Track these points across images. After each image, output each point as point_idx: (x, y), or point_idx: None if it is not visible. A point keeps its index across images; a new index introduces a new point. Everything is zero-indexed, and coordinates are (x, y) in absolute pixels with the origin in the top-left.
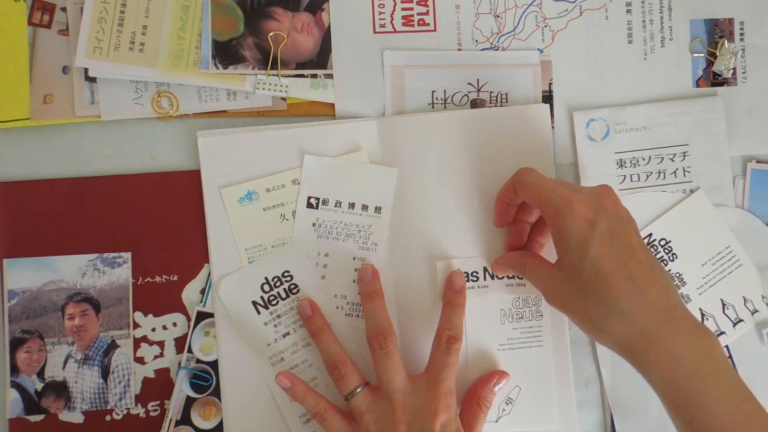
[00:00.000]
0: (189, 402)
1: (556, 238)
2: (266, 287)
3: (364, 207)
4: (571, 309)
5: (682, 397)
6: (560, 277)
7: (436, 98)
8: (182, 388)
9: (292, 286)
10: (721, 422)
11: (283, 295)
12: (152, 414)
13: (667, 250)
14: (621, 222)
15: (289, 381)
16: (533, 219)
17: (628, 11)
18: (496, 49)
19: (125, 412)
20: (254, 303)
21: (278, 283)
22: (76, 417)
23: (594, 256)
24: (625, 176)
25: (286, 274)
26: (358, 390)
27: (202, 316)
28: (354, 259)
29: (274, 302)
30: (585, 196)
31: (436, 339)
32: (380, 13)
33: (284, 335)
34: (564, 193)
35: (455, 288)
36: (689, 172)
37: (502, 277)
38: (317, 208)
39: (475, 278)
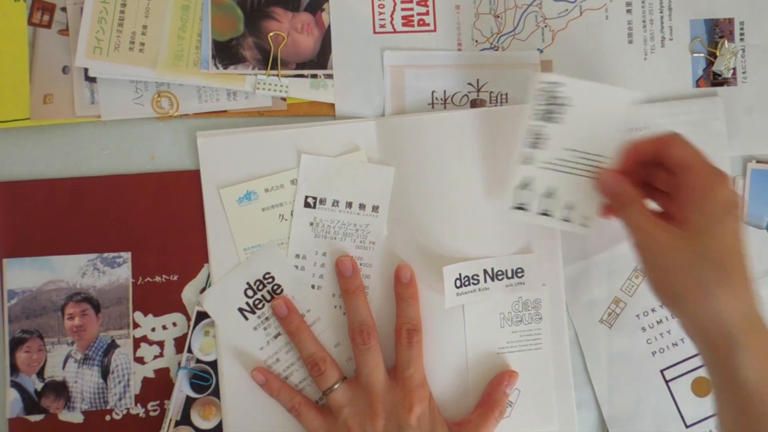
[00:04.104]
0: (189, 402)
1: (697, 198)
2: (249, 292)
3: (362, 206)
4: (674, 264)
5: None
6: (675, 232)
7: (436, 98)
8: (182, 388)
9: (275, 287)
10: None
11: (268, 297)
12: (152, 414)
13: (558, 111)
14: (743, 224)
15: (264, 376)
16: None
17: (628, 11)
18: (496, 49)
19: (125, 412)
20: (240, 310)
21: (260, 287)
22: (75, 417)
23: (729, 228)
24: None
25: (267, 276)
26: (337, 386)
27: (201, 316)
28: None
29: (260, 306)
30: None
31: (396, 335)
32: (380, 13)
33: (275, 336)
34: (717, 166)
35: (403, 281)
36: None
37: (502, 278)
38: (314, 207)
39: (475, 281)
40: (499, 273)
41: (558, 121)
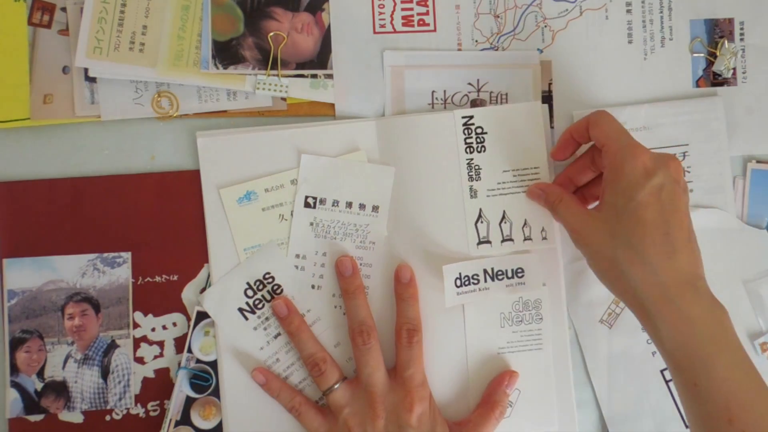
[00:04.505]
0: (189, 402)
1: (609, 177)
2: (249, 292)
3: (362, 206)
4: (596, 250)
5: (690, 358)
6: (596, 217)
7: (436, 98)
8: (182, 388)
9: (275, 287)
10: (727, 387)
11: (268, 297)
12: (152, 414)
13: (479, 140)
14: (676, 186)
15: (264, 377)
16: (585, 179)
17: (628, 11)
18: (496, 49)
19: (125, 412)
20: (240, 310)
21: (260, 287)
22: (75, 417)
23: (639, 202)
24: None
25: (267, 276)
26: (337, 386)
27: (201, 316)
28: None
29: (260, 306)
30: (652, 152)
31: (396, 335)
32: (380, 13)
33: (275, 336)
34: (633, 140)
35: (403, 281)
36: (689, 172)
37: (502, 278)
38: (314, 207)
39: (475, 281)
40: (500, 273)
41: (483, 150)
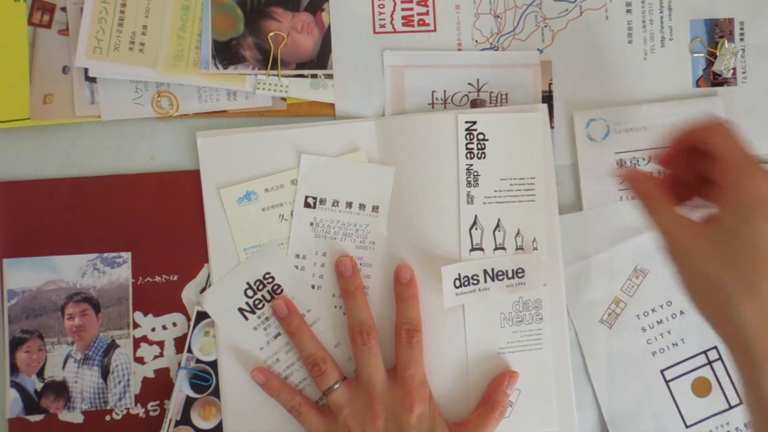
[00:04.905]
0: (189, 402)
1: (728, 192)
2: (249, 292)
3: (362, 206)
4: (697, 269)
5: None
6: (700, 231)
7: (436, 98)
8: (182, 388)
9: (275, 287)
10: None
11: (268, 297)
12: (152, 414)
13: (480, 146)
14: None
15: (264, 376)
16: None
17: (628, 11)
18: (496, 49)
19: (125, 412)
20: (240, 310)
21: (260, 287)
22: (75, 417)
23: (757, 230)
24: None
25: (267, 276)
26: (337, 386)
27: (201, 316)
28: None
29: (260, 306)
30: None
31: (396, 336)
32: (380, 13)
33: (275, 336)
34: (755, 159)
35: (403, 281)
36: None
37: (502, 278)
38: (314, 207)
39: (475, 281)
40: (500, 273)
41: (483, 156)
